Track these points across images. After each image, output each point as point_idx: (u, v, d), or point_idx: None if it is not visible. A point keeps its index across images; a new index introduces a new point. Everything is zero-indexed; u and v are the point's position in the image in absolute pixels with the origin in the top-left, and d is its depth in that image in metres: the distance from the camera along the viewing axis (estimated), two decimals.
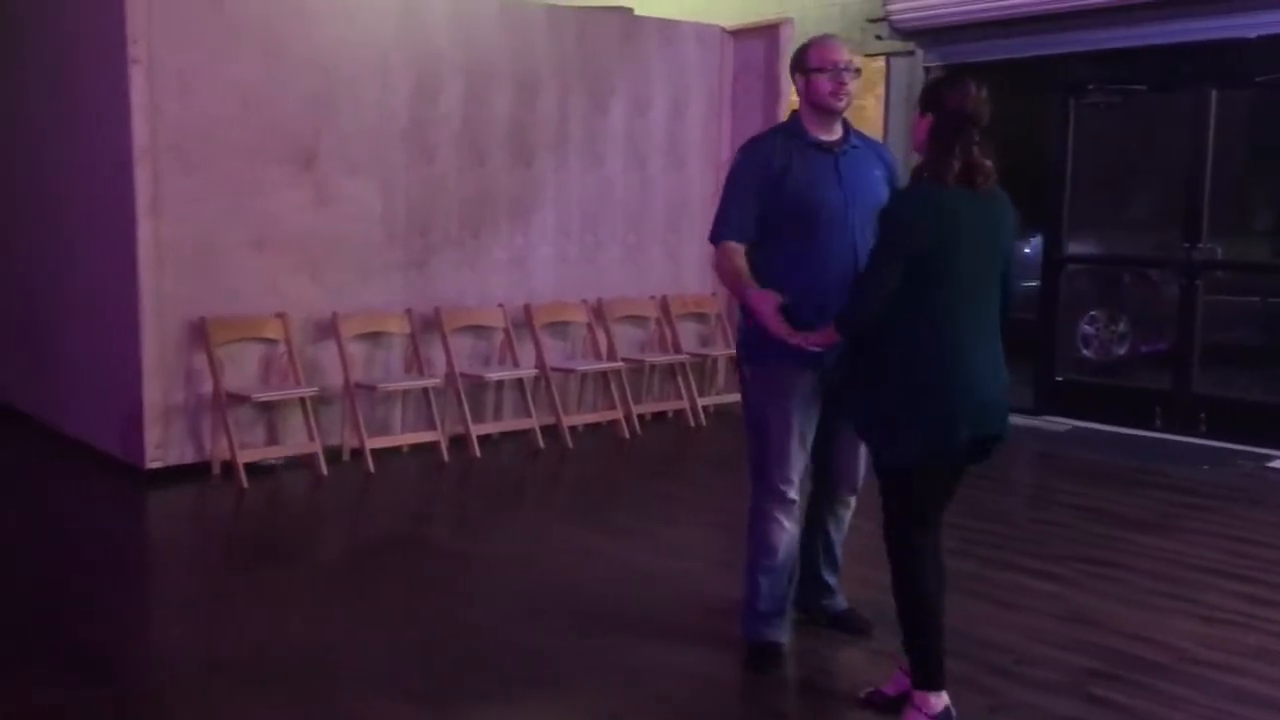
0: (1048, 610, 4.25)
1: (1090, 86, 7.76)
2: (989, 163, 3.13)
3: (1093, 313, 8.85)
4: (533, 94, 7.21)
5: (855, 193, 3.61)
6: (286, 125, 6.26)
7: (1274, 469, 6.63)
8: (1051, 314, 8.10)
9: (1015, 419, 7.88)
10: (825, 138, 3.68)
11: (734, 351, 3.97)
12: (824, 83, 3.62)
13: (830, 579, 4.05)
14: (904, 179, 3.67)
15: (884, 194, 3.61)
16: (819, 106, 3.66)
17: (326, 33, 6.35)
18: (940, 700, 3.24)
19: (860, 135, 3.79)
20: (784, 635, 3.85)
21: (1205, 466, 6.64)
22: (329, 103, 6.39)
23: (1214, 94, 7.24)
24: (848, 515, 4.02)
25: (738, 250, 3.67)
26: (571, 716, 3.49)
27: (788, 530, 3.77)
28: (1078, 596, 4.35)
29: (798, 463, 3.71)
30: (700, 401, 7.79)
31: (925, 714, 3.22)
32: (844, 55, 3.65)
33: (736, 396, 7.80)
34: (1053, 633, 4.03)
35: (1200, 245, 7.37)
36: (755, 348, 3.69)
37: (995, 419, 3.21)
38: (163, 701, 3.60)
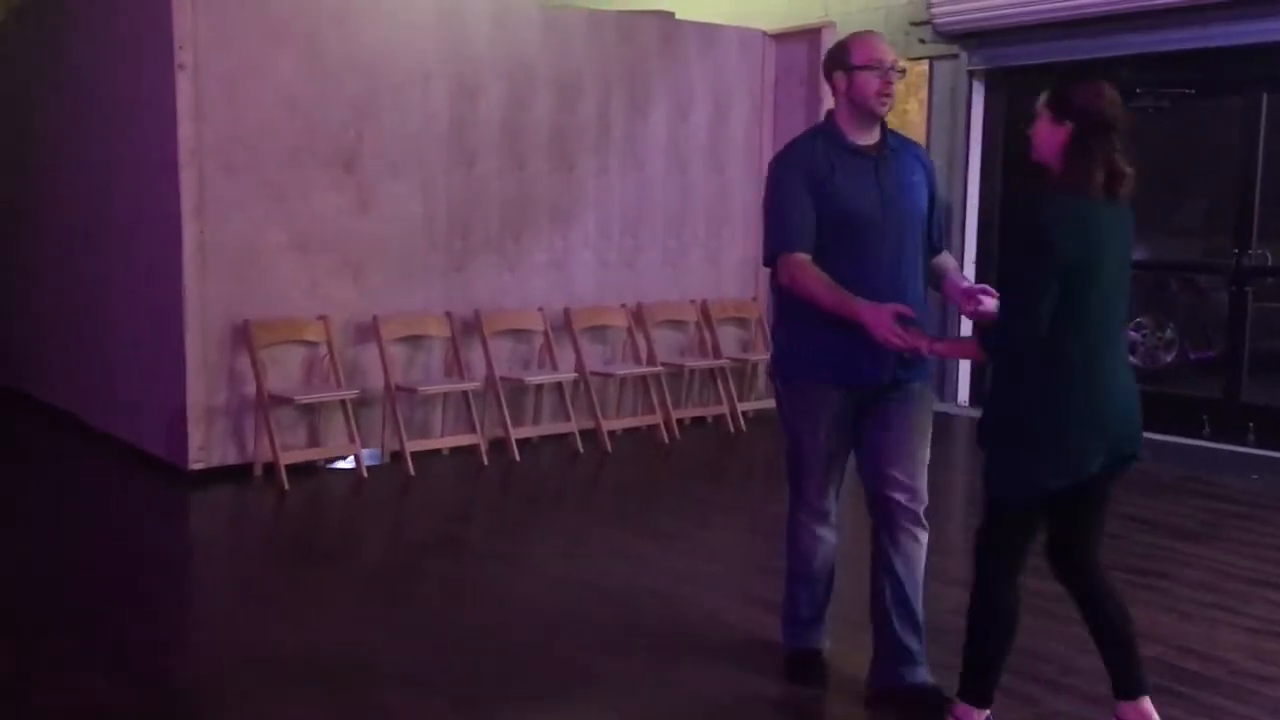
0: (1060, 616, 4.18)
1: (1138, 90, 7.65)
2: (1131, 170, 2.97)
3: (1140, 319, 8.72)
4: (573, 98, 7.22)
5: (895, 200, 3.41)
6: (328, 129, 6.31)
7: None
8: None
9: None
10: (864, 142, 3.43)
11: (770, 365, 3.77)
12: (871, 81, 3.35)
13: (910, 641, 3.49)
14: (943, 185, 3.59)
15: (924, 200, 3.48)
16: (862, 108, 3.39)
17: (368, 37, 6.39)
18: (982, 717, 3.18)
19: (897, 136, 3.55)
20: (822, 642, 3.79)
21: (1254, 476, 6.53)
22: (370, 106, 6.43)
23: (1265, 97, 7.12)
24: (921, 552, 3.50)
25: (807, 260, 3.36)
26: (607, 715, 3.48)
27: (823, 540, 3.68)
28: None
29: (832, 476, 3.61)
30: (740, 407, 7.76)
31: None
32: (890, 53, 3.41)
33: (775, 401, 7.82)
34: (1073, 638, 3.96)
35: (1251, 251, 7.25)
36: (787, 365, 3.56)
37: (1134, 438, 3.08)
38: (207, 698, 3.64)
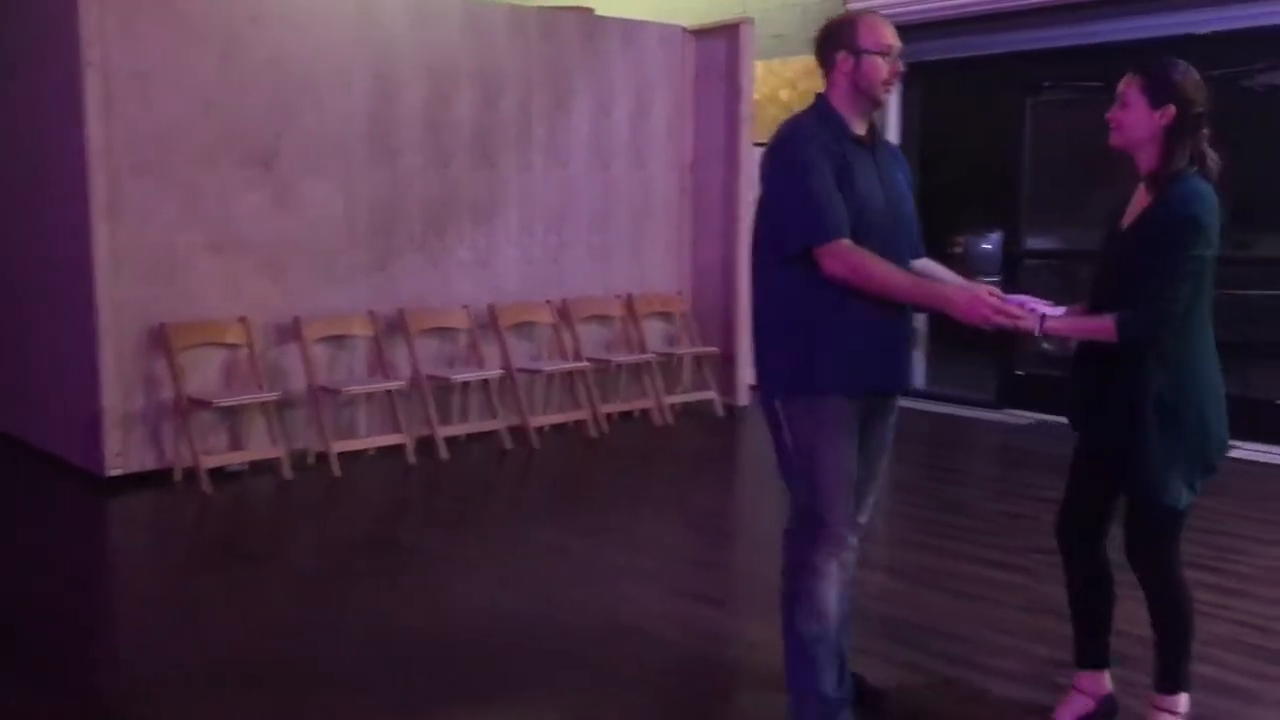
0: (1009, 601, 4.29)
1: (1046, 84, 7.85)
2: (1216, 154, 2.99)
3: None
4: (495, 95, 7.20)
5: (893, 198, 3.15)
6: (246, 128, 6.21)
7: (1231, 459, 6.69)
8: None
9: (977, 413, 8.03)
10: (860, 131, 3.13)
11: (769, 379, 3.21)
12: (880, 67, 3.06)
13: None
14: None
15: (909, 197, 3.24)
16: (868, 95, 3.08)
17: (285, 35, 6.31)
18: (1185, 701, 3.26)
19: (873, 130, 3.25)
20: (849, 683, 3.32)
21: None
22: (289, 105, 6.35)
23: None
24: (853, 562, 3.28)
25: (855, 246, 2.99)
26: (545, 713, 3.49)
27: (842, 581, 3.18)
28: (1039, 587, 4.37)
29: (852, 500, 3.17)
30: (667, 400, 7.80)
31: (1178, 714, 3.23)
32: (897, 38, 3.12)
33: (703, 394, 7.91)
34: (1014, 623, 4.06)
35: None
36: (806, 376, 3.07)
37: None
38: (136, 708, 3.56)
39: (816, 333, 3.06)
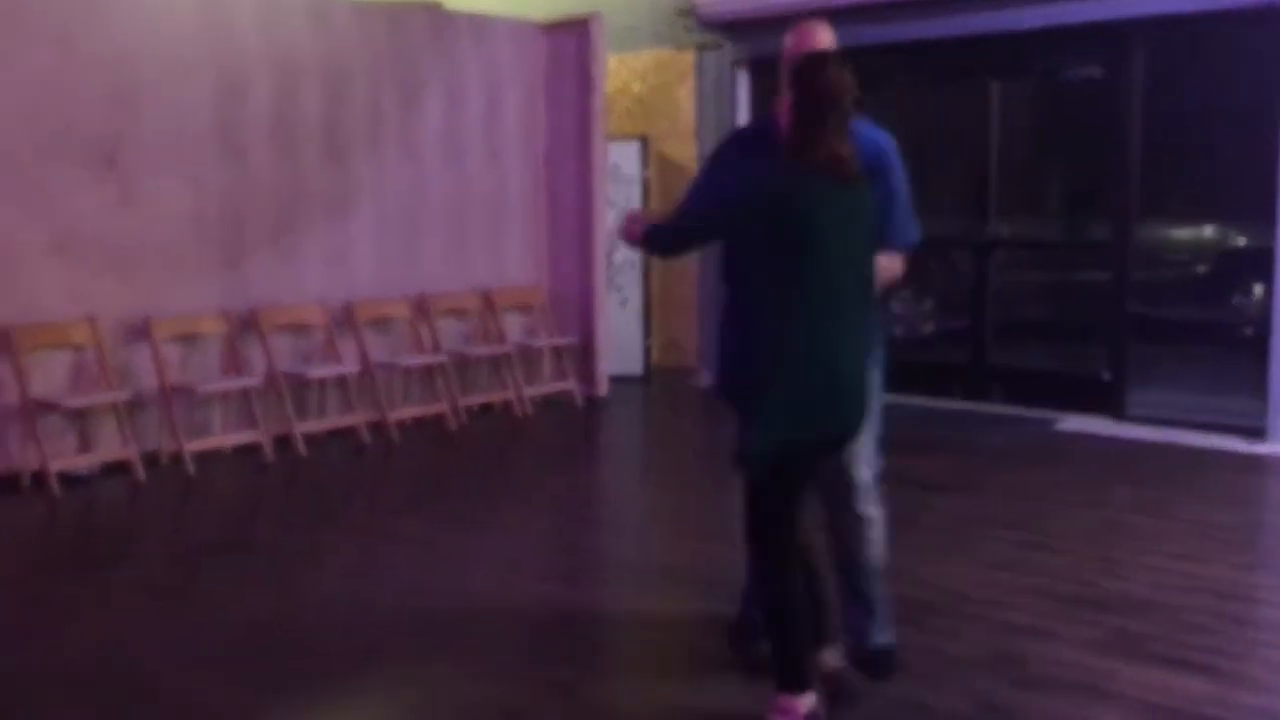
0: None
1: (890, 78, 8.21)
2: (845, 151, 3.09)
3: (901, 292, 9.33)
4: (343, 90, 7.21)
5: None
6: (85, 124, 6.12)
7: (1060, 430, 7.15)
8: None
9: None
10: None
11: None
12: None
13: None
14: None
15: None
16: None
17: (123, 29, 6.23)
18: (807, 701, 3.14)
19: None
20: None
21: (997, 432, 7.13)
22: (130, 101, 6.27)
23: (995, 84, 7.76)
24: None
25: None
26: (403, 692, 3.59)
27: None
28: None
29: None
30: (527, 391, 7.93)
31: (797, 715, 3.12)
32: (821, 41, 3.36)
33: (562, 385, 8.05)
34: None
35: (989, 226, 7.88)
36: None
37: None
38: None
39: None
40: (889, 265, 3.42)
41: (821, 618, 3.35)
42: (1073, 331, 8.27)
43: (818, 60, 3.11)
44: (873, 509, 3.51)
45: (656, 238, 3.36)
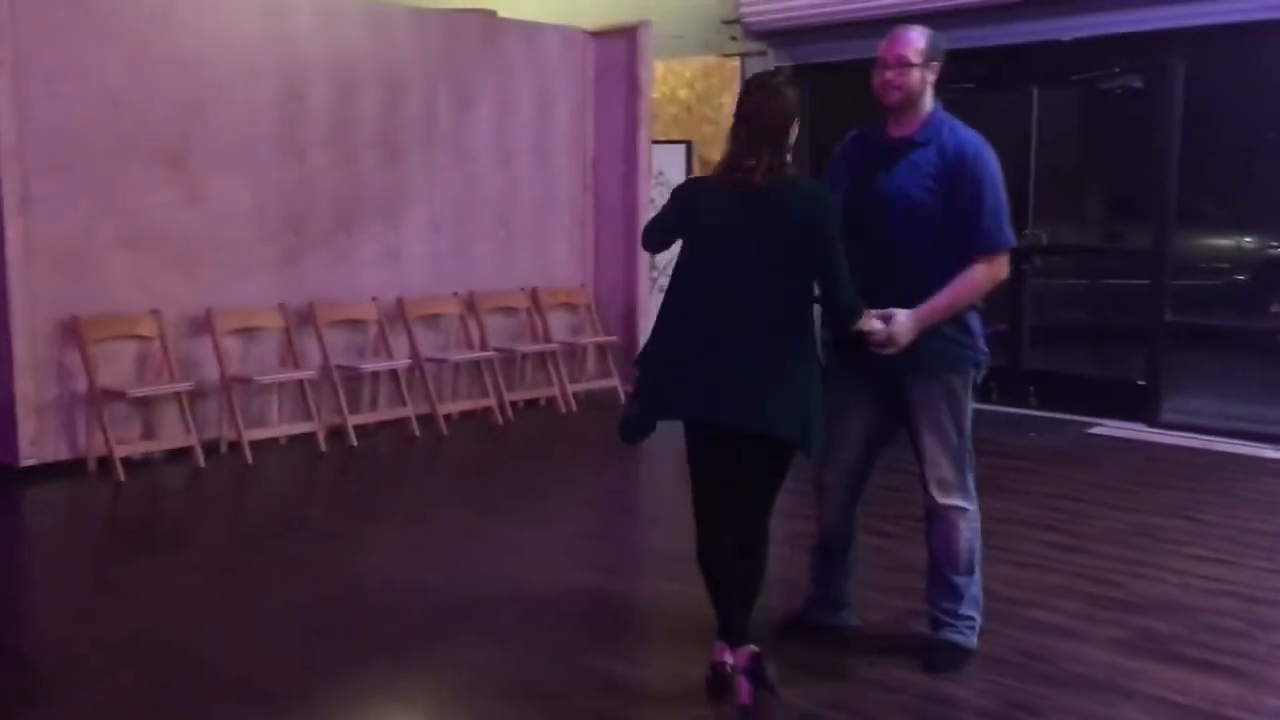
0: (877, 562, 4.67)
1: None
2: (747, 162, 3.31)
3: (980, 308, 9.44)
4: (400, 94, 7.44)
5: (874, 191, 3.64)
6: (155, 126, 6.39)
7: (1094, 435, 7.26)
8: None
9: None
10: (899, 134, 3.62)
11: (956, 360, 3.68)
12: (875, 77, 3.60)
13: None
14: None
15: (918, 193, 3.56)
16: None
17: (192, 34, 6.49)
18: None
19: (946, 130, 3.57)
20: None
21: (1032, 434, 7.25)
22: (197, 104, 6.53)
23: (1035, 91, 7.87)
24: (948, 531, 3.86)
25: None
26: (448, 671, 3.79)
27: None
28: (905, 550, 4.77)
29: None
30: (570, 388, 8.12)
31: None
32: (890, 47, 3.55)
33: (606, 382, 8.24)
34: (879, 580, 4.46)
35: (1027, 231, 7.98)
36: (980, 350, 3.69)
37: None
38: (58, 675, 3.77)
39: (970, 318, 3.65)
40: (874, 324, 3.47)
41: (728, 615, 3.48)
42: (1109, 337, 8.37)
43: (753, 80, 3.45)
44: (953, 503, 3.73)
45: (644, 234, 3.71)
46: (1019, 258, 8.01)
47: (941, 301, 3.50)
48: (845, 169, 3.74)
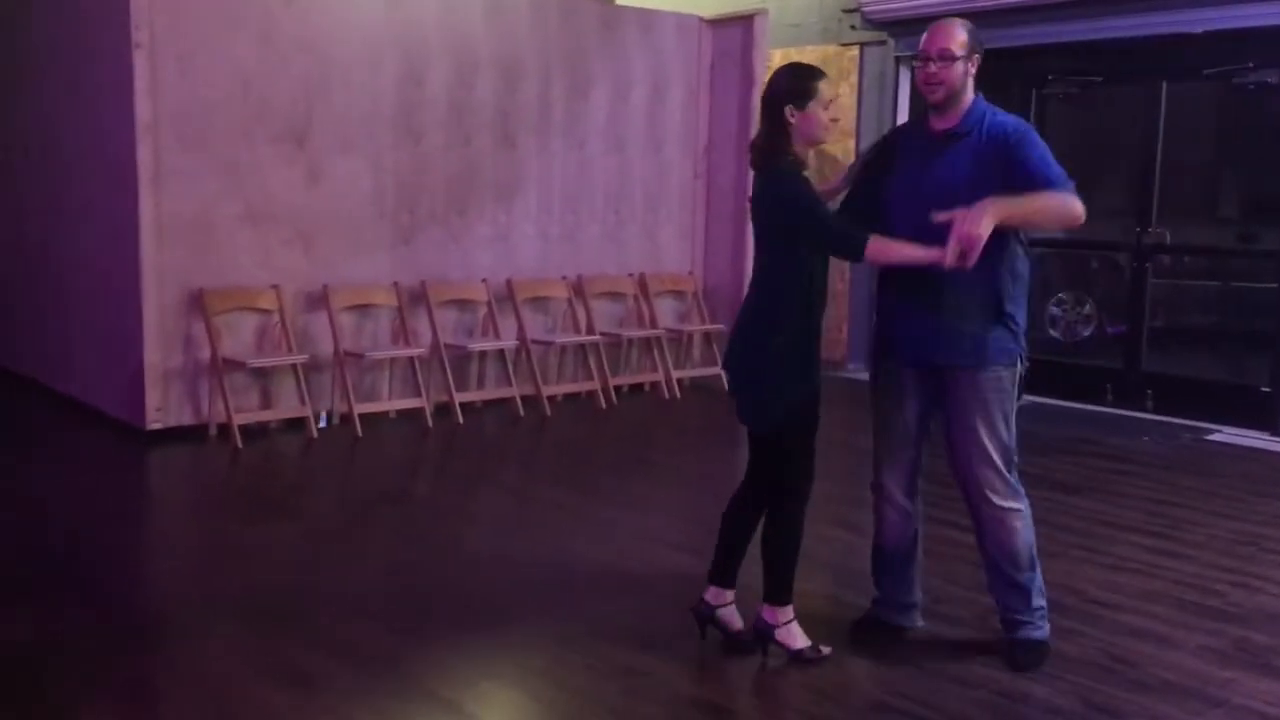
0: (967, 559, 4.61)
1: (1050, 77, 8.14)
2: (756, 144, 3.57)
3: (1060, 295, 9.21)
4: (516, 79, 7.58)
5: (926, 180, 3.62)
6: (280, 106, 6.64)
7: (1212, 441, 7.02)
8: None
9: None
10: (941, 126, 3.61)
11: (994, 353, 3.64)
12: (919, 73, 3.58)
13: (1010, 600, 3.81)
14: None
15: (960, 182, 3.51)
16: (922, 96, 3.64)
17: (318, 19, 6.72)
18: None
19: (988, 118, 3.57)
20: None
21: (1145, 438, 7.04)
22: (321, 85, 6.76)
23: (1164, 85, 7.62)
24: (999, 529, 3.79)
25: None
26: (541, 641, 3.88)
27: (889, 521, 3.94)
28: None
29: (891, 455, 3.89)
30: (675, 374, 8.18)
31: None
32: (932, 41, 3.55)
33: (711, 370, 8.27)
34: (968, 577, 4.40)
35: (1150, 230, 7.75)
36: (1023, 344, 3.66)
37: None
38: (172, 629, 3.97)
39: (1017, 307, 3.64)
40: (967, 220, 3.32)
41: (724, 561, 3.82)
42: (1236, 341, 8.07)
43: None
44: (1007, 506, 3.67)
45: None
46: (1139, 256, 7.79)
47: (1023, 200, 3.41)
48: (879, 162, 3.76)
